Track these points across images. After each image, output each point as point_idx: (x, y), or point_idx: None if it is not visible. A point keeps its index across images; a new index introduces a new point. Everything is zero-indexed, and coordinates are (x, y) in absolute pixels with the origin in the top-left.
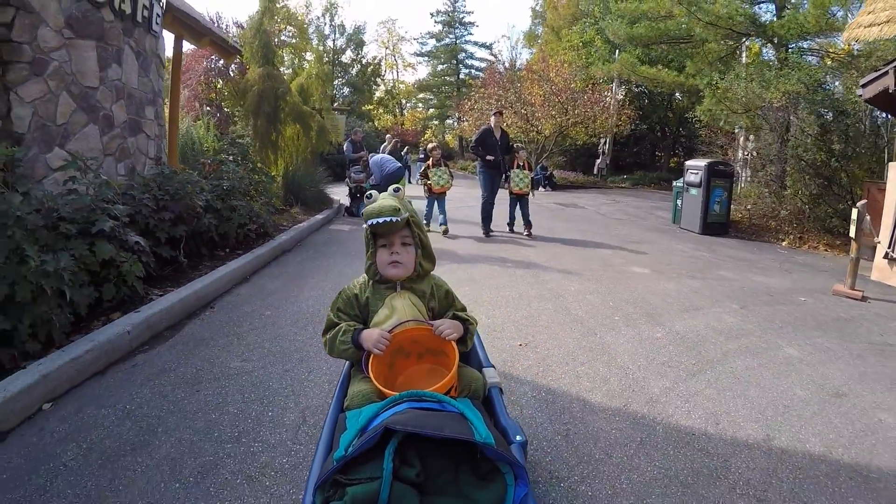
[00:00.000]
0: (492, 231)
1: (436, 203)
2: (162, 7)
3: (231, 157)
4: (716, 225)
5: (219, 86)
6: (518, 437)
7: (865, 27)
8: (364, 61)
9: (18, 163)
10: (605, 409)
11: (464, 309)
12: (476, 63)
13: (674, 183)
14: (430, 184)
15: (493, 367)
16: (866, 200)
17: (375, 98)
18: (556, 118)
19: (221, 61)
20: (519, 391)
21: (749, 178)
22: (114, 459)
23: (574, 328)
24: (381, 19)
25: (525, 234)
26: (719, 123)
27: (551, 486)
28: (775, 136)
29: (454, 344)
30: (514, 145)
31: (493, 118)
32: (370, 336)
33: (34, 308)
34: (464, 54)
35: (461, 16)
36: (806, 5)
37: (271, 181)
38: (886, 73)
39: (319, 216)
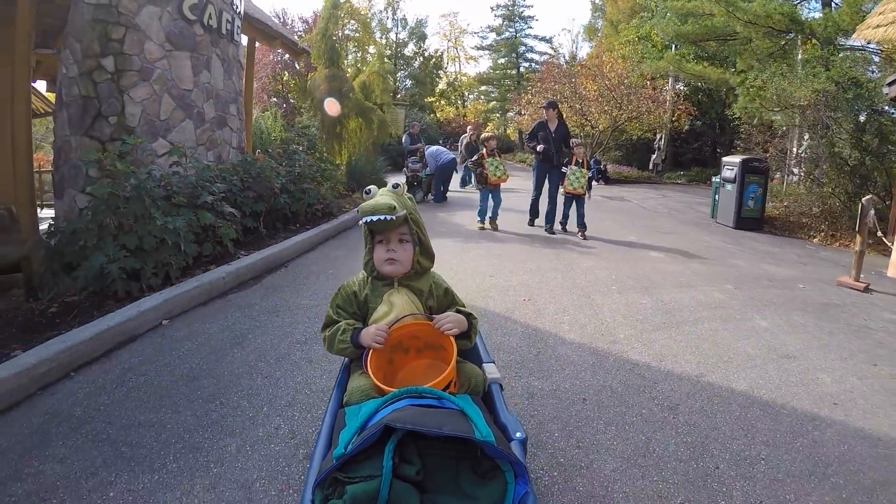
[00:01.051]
0: (539, 225)
1: (490, 196)
2: (241, 18)
3: (301, 147)
4: (750, 220)
5: (285, 78)
6: (518, 434)
7: (873, 28)
8: (426, 54)
9: (131, 150)
10: (574, 343)
11: (463, 304)
12: (536, 57)
13: (713, 179)
14: (486, 174)
15: (492, 362)
16: (871, 197)
17: (437, 90)
18: (611, 113)
19: (287, 55)
20: (512, 328)
21: (801, 177)
22: (218, 350)
23: (574, 292)
24: (442, 12)
25: (579, 235)
26: (753, 121)
27: (515, 380)
28: (812, 133)
29: (453, 339)
30: (572, 140)
31: (545, 111)
32: (368, 333)
33: (157, 254)
34: (523, 48)
35: (521, 10)
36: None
37: (336, 169)
38: None
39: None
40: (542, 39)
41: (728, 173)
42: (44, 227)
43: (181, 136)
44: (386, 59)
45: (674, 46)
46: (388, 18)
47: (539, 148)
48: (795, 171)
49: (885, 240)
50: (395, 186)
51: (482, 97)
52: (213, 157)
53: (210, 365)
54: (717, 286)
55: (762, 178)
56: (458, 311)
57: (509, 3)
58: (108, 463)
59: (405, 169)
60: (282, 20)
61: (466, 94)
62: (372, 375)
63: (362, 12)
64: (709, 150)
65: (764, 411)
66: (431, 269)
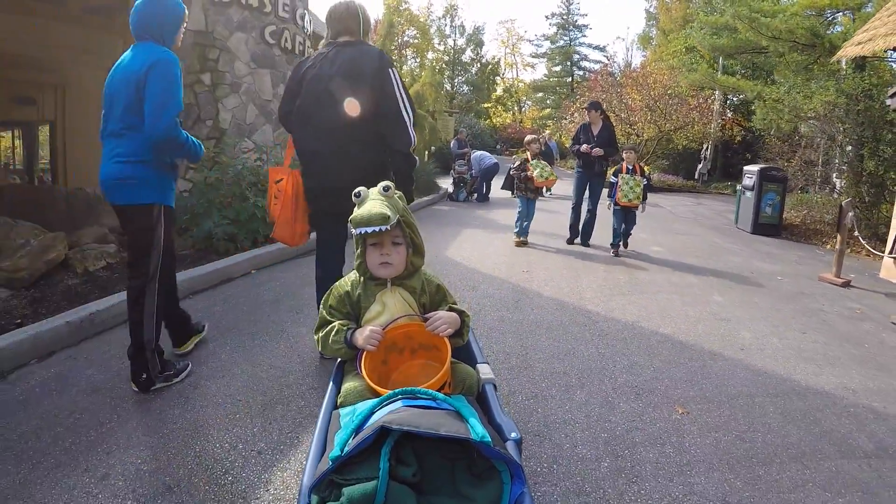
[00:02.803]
0: (577, 243)
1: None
2: (310, 38)
3: None
4: (767, 226)
5: None
6: (513, 435)
7: (856, 45)
8: (483, 60)
9: (222, 146)
10: (548, 298)
11: (455, 302)
12: (590, 65)
13: (737, 186)
14: (532, 177)
15: (486, 363)
16: (850, 200)
17: (494, 96)
18: (657, 122)
19: None
20: (506, 286)
21: (844, 189)
22: (292, 288)
23: (566, 271)
24: (500, 19)
25: (614, 251)
26: (771, 131)
27: (492, 312)
28: (830, 144)
29: (447, 339)
30: (622, 145)
31: (587, 113)
32: (363, 333)
33: (248, 224)
34: (577, 56)
35: (575, 18)
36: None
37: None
38: None
39: (426, 199)
40: (596, 48)
41: (748, 181)
42: None
43: (262, 137)
44: (443, 66)
45: (720, 59)
46: (446, 25)
47: (582, 148)
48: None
49: (861, 240)
50: (386, 189)
51: (538, 104)
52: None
53: (286, 296)
54: (695, 273)
55: (780, 186)
56: (451, 309)
57: (564, 12)
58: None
59: (452, 171)
60: None
61: (524, 99)
62: (366, 377)
63: (421, 19)
64: (759, 161)
65: (675, 346)
66: (423, 267)
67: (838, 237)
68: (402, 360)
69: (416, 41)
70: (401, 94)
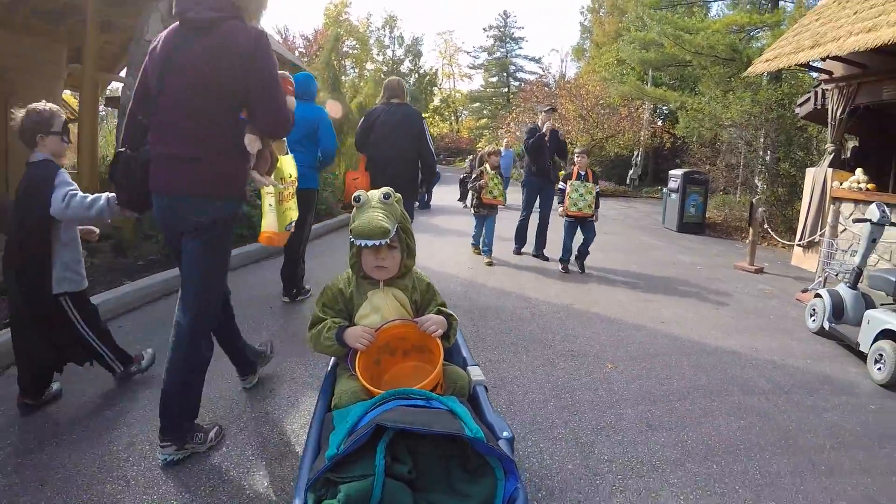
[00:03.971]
0: (526, 252)
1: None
2: None
3: None
4: (691, 224)
5: None
6: (504, 434)
7: (765, 62)
8: (421, 71)
9: None
10: (492, 288)
11: (445, 304)
12: (525, 76)
13: (663, 189)
14: (483, 194)
15: (477, 365)
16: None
17: (431, 106)
18: (590, 131)
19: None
20: (454, 280)
21: (763, 189)
22: (269, 285)
23: (507, 268)
24: (438, 30)
25: (576, 268)
26: (694, 138)
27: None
28: (747, 148)
29: (439, 340)
30: (574, 149)
31: (541, 115)
32: (353, 332)
33: None
34: (514, 67)
35: (512, 31)
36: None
37: (335, 177)
38: (809, 97)
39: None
40: (532, 59)
41: (673, 184)
42: None
43: None
44: (382, 77)
45: (649, 71)
46: (385, 36)
47: (530, 141)
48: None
49: (772, 233)
50: (387, 197)
51: (475, 114)
52: None
53: (251, 295)
54: (624, 266)
55: (702, 189)
56: (440, 311)
57: (501, 24)
58: None
59: None
60: (284, 37)
61: (461, 110)
62: (360, 377)
63: (361, 30)
64: (683, 165)
65: (604, 321)
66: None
67: (750, 231)
68: (395, 362)
69: (355, 52)
70: (429, 135)
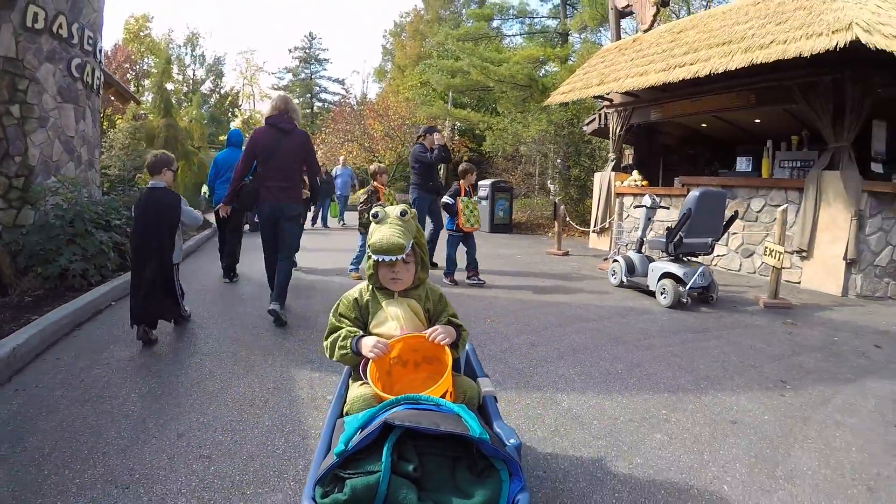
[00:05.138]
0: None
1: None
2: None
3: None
4: (501, 225)
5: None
6: (512, 440)
7: (560, 94)
8: (223, 92)
9: (30, 183)
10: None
11: (455, 315)
12: (329, 97)
13: (474, 198)
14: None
15: (487, 376)
16: (561, 198)
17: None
18: (396, 149)
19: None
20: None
21: (557, 192)
22: None
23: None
24: (240, 50)
25: (473, 278)
26: (499, 153)
27: None
28: (543, 159)
29: (448, 350)
30: (463, 165)
31: (429, 137)
32: (367, 342)
33: (97, 259)
34: (318, 88)
35: (317, 52)
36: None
37: None
38: (594, 118)
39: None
40: (336, 81)
41: (483, 192)
42: None
43: (66, 175)
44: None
45: (450, 94)
46: (186, 54)
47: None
48: (537, 187)
49: (573, 225)
50: (403, 214)
51: None
52: (87, 193)
53: None
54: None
55: (508, 194)
56: (450, 322)
57: (306, 46)
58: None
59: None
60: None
61: None
62: (372, 383)
63: (161, 47)
64: (488, 176)
65: (469, 297)
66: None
67: (556, 224)
68: (406, 373)
69: (154, 70)
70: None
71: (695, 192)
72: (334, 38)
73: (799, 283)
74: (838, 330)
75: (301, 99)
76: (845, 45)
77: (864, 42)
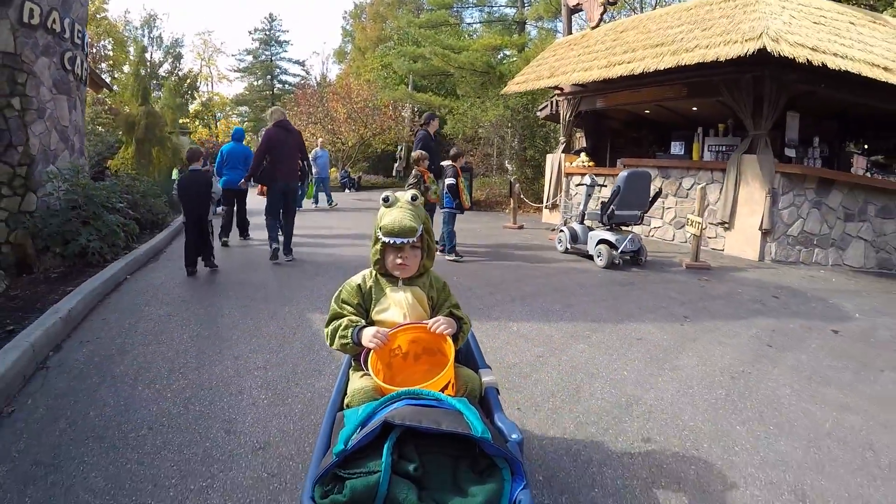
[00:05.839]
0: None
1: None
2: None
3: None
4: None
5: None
6: (514, 436)
7: (515, 84)
8: (181, 74)
9: (32, 171)
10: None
11: (458, 306)
12: (289, 79)
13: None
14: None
15: (489, 368)
16: (516, 177)
17: (191, 111)
18: (359, 131)
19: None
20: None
21: (514, 171)
22: (166, 285)
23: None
24: (197, 31)
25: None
26: (458, 135)
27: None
28: (500, 141)
29: (450, 341)
30: (454, 150)
31: (432, 123)
32: (367, 333)
33: (110, 238)
34: (278, 70)
35: (277, 34)
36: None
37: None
38: (547, 105)
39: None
40: (296, 62)
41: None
42: None
43: (62, 163)
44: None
45: (411, 78)
46: (144, 37)
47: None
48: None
49: (526, 201)
50: (414, 199)
51: (236, 117)
52: (81, 179)
53: (167, 288)
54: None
55: (468, 174)
56: (451, 314)
57: (267, 28)
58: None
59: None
60: None
61: (220, 114)
62: (373, 374)
63: (119, 29)
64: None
65: (440, 262)
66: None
67: (511, 201)
68: (406, 365)
69: (111, 53)
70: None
71: (624, 173)
72: (294, 19)
73: (723, 250)
74: (745, 285)
75: (261, 81)
76: (755, 51)
77: (769, 50)
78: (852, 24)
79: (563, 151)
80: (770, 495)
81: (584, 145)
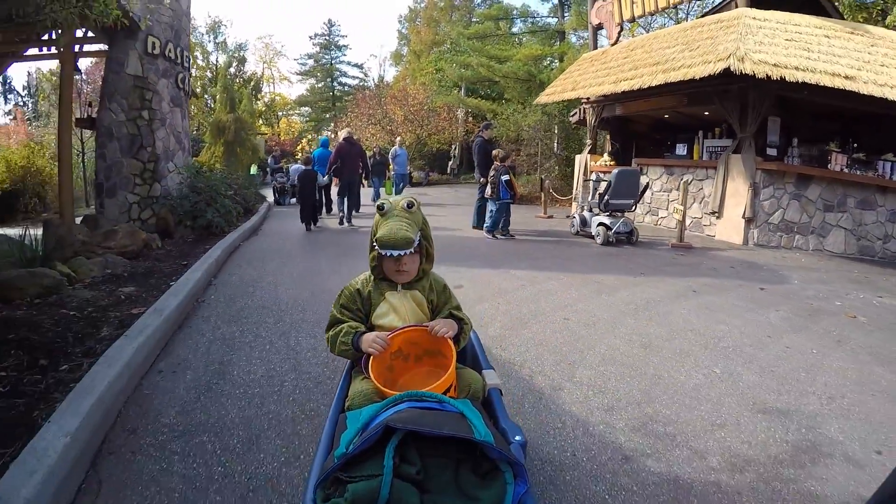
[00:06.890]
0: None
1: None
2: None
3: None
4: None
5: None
6: (517, 438)
7: (546, 95)
8: (245, 76)
9: (157, 166)
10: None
11: (459, 308)
12: (349, 81)
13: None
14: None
15: (492, 369)
16: (547, 175)
17: (258, 111)
18: (415, 131)
19: None
20: None
21: (552, 170)
22: (271, 248)
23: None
24: (258, 35)
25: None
26: (503, 137)
27: None
28: (539, 143)
29: (451, 343)
30: (502, 152)
31: (486, 131)
32: (367, 338)
33: (226, 216)
34: (338, 73)
35: (336, 39)
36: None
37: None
38: (577, 111)
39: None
40: (355, 65)
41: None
42: None
43: (178, 161)
44: (206, 84)
45: (463, 84)
46: (209, 42)
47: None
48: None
49: (556, 196)
50: (410, 206)
51: (298, 117)
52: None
53: (275, 249)
54: (455, 221)
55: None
56: (452, 315)
57: (326, 33)
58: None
59: (273, 181)
60: None
61: (281, 114)
62: (374, 378)
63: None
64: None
65: (455, 239)
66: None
67: (542, 195)
68: (408, 368)
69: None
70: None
71: (615, 170)
72: (351, 22)
73: (714, 235)
74: (713, 260)
75: (322, 83)
76: (726, 68)
77: (732, 70)
78: (827, 37)
79: (588, 152)
80: (628, 346)
81: (611, 147)
